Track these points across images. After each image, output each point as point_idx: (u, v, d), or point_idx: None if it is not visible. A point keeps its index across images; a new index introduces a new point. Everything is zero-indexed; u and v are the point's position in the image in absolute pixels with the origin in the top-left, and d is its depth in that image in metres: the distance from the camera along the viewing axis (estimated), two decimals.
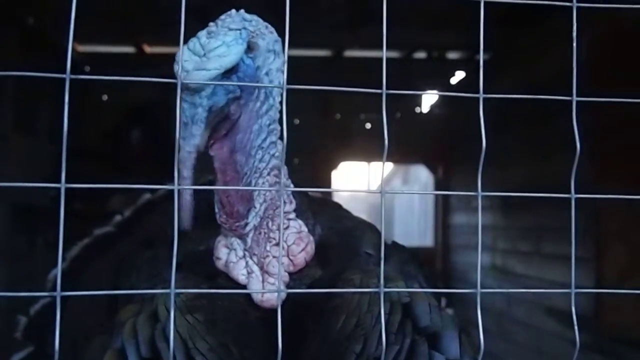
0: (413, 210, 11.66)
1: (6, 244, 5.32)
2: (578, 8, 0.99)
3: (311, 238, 1.38)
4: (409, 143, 8.03)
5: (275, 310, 1.14)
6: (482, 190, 0.98)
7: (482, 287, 0.97)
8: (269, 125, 1.34)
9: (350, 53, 7.22)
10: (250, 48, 1.29)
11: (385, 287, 1.25)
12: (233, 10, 1.31)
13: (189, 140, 1.22)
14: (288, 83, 0.94)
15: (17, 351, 1.81)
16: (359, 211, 2.04)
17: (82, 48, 6.83)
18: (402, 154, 8.33)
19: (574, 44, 0.99)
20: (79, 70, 6.84)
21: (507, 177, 6.35)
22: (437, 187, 9.05)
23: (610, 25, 4.27)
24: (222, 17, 1.30)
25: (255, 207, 1.35)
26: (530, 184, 5.76)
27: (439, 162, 8.99)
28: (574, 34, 0.99)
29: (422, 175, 11.02)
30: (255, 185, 1.34)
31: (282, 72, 1.31)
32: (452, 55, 7.46)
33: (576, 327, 0.98)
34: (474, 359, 1.28)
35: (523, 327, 6.09)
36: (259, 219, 1.34)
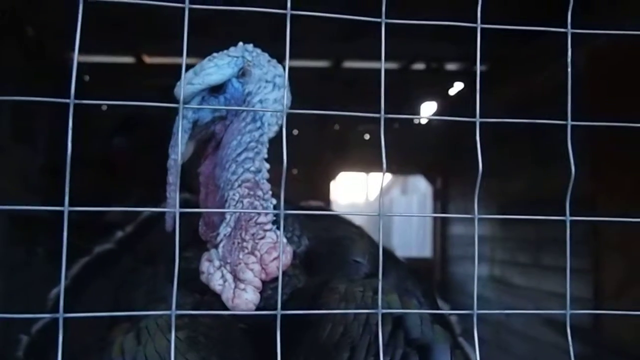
0: (411, 221, 11.66)
1: (4, 255, 5.30)
2: (572, 31, 1.00)
3: (288, 248, 1.41)
4: (407, 153, 8.04)
5: (259, 323, 1.17)
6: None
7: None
8: (249, 142, 1.42)
9: (348, 64, 7.24)
10: (243, 74, 1.42)
11: (377, 298, 1.26)
12: (240, 43, 1.46)
13: (175, 148, 1.33)
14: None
15: None
16: (356, 222, 2.04)
17: (81, 58, 6.83)
18: (400, 164, 8.34)
19: (569, 69, 1.00)
20: (78, 80, 6.83)
21: (506, 188, 6.36)
22: (436, 197, 9.05)
23: (607, 39, 4.29)
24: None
25: (225, 218, 1.40)
26: (530, 194, 5.76)
27: (437, 173, 9.00)
28: (569, 59, 0.99)
29: (420, 185, 11.03)
30: (226, 197, 1.40)
31: (280, 102, 1.43)
32: (451, 66, 7.47)
33: (571, 348, 0.98)
34: None
35: (521, 338, 6.07)
36: (229, 229, 1.39)
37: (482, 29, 0.96)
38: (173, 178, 1.32)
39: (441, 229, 8.80)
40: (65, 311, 0.81)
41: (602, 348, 4.67)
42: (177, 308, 0.87)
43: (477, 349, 0.96)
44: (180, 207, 1.38)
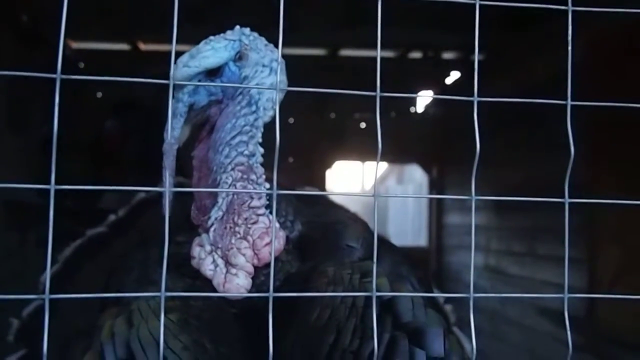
0: (407, 210, 11.67)
1: None
2: (574, 11, 0.99)
3: (281, 233, 1.40)
4: (403, 143, 8.04)
5: (250, 307, 1.16)
6: (477, 192, 0.97)
7: (475, 288, 0.97)
8: (244, 126, 1.41)
9: (345, 52, 7.21)
10: (240, 57, 1.42)
11: (365, 281, 1.27)
12: (237, 26, 1.46)
13: (170, 132, 1.33)
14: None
15: (9, 354, 1.79)
16: (351, 209, 2.04)
17: (76, 45, 6.81)
18: (396, 153, 8.34)
19: (569, 48, 0.99)
20: (73, 67, 6.82)
21: (502, 177, 6.36)
22: (432, 187, 9.05)
23: (609, 25, 4.28)
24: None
25: (217, 202, 1.40)
26: (526, 184, 5.76)
27: (433, 162, 8.99)
28: (569, 37, 0.98)
29: (416, 175, 11.03)
30: (219, 180, 1.39)
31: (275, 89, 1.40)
32: (448, 55, 7.46)
33: (569, 332, 0.98)
34: (463, 358, 1.28)
35: (516, 327, 6.10)
36: (221, 213, 1.38)
37: (480, 11, 0.95)
38: (169, 162, 1.32)
39: (437, 218, 8.81)
40: (56, 293, 0.81)
41: (597, 337, 4.69)
42: (168, 292, 0.86)
43: (472, 334, 0.95)
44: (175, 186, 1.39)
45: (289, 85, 1.41)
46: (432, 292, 1.76)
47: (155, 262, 1.40)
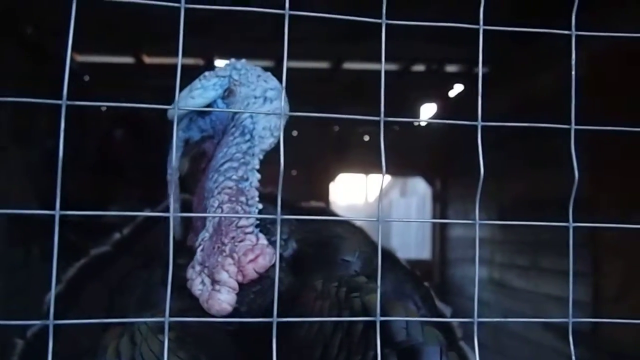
0: (410, 223, 11.65)
1: (2, 256, 5.29)
2: (577, 31, 0.99)
3: (267, 250, 1.39)
4: (407, 155, 8.04)
5: (244, 324, 1.23)
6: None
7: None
8: (234, 154, 1.45)
9: (349, 65, 7.23)
10: (228, 94, 1.48)
11: (352, 295, 1.29)
12: (232, 60, 1.52)
13: (170, 163, 1.44)
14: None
15: None
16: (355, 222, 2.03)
17: (82, 58, 6.84)
18: (400, 166, 8.34)
19: (573, 72, 0.99)
20: (78, 80, 6.84)
21: (506, 189, 6.35)
22: (435, 199, 9.04)
23: (611, 42, 4.28)
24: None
25: (205, 224, 1.45)
26: (529, 196, 5.76)
27: (436, 175, 9.00)
28: (573, 62, 0.98)
29: (419, 187, 11.02)
30: (208, 204, 1.44)
31: (273, 115, 1.48)
32: (451, 68, 7.47)
33: (573, 356, 0.97)
34: None
35: (520, 342, 6.07)
36: (207, 234, 1.42)
37: (483, 30, 0.96)
38: (171, 190, 1.39)
39: (440, 231, 8.80)
40: (61, 314, 0.81)
41: (601, 351, 4.66)
42: (170, 314, 0.87)
43: (477, 356, 0.95)
44: (181, 208, 1.45)
45: (290, 100, 1.41)
46: (435, 309, 1.75)
47: (157, 283, 1.43)
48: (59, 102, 0.79)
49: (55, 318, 0.81)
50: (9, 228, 5.33)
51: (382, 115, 0.93)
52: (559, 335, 4.95)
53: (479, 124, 0.97)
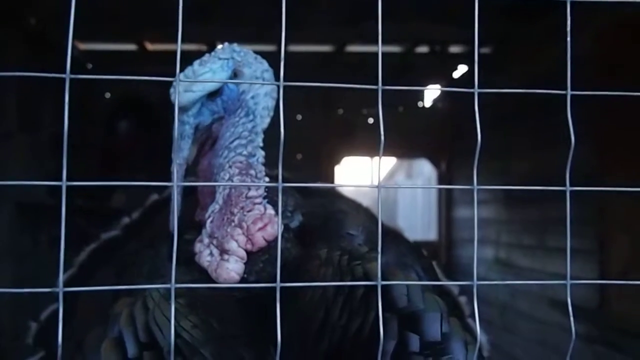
0: (416, 204, 11.67)
1: (11, 242, 5.33)
2: (575, 3, 1.00)
3: (275, 220, 1.42)
4: (411, 137, 8.03)
5: (249, 290, 1.28)
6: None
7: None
8: (242, 132, 1.51)
9: (351, 48, 7.21)
10: (235, 75, 1.51)
11: (354, 263, 1.33)
12: (226, 44, 1.56)
13: (179, 153, 1.45)
14: (288, 79, 0.95)
15: (28, 357, 1.81)
16: (363, 204, 2.04)
17: (84, 46, 6.84)
18: (405, 148, 8.34)
19: (568, 39, 1.00)
20: (81, 68, 6.85)
21: (511, 169, 6.35)
22: (441, 180, 9.04)
23: (614, 17, 4.26)
24: (216, 49, 1.55)
25: (215, 197, 1.48)
26: (534, 176, 5.75)
27: (442, 156, 8.98)
28: (568, 28, 0.99)
29: (425, 169, 11.02)
30: (218, 179, 1.48)
31: (270, 95, 1.56)
32: (454, 49, 7.43)
33: (572, 318, 0.99)
34: (465, 342, 1.29)
35: (527, 319, 6.09)
36: (217, 206, 1.46)
37: (485, 5, 0.96)
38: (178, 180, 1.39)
39: (446, 212, 8.80)
40: (72, 297, 0.82)
41: (609, 328, 4.68)
42: (176, 282, 0.90)
43: (477, 319, 0.96)
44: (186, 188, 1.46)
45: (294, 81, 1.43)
46: (438, 280, 1.78)
47: (164, 258, 1.45)
48: (63, 75, 0.81)
49: (67, 300, 0.83)
50: (18, 216, 5.37)
51: (380, 83, 0.95)
52: (566, 312, 4.96)
53: (476, 90, 0.99)
